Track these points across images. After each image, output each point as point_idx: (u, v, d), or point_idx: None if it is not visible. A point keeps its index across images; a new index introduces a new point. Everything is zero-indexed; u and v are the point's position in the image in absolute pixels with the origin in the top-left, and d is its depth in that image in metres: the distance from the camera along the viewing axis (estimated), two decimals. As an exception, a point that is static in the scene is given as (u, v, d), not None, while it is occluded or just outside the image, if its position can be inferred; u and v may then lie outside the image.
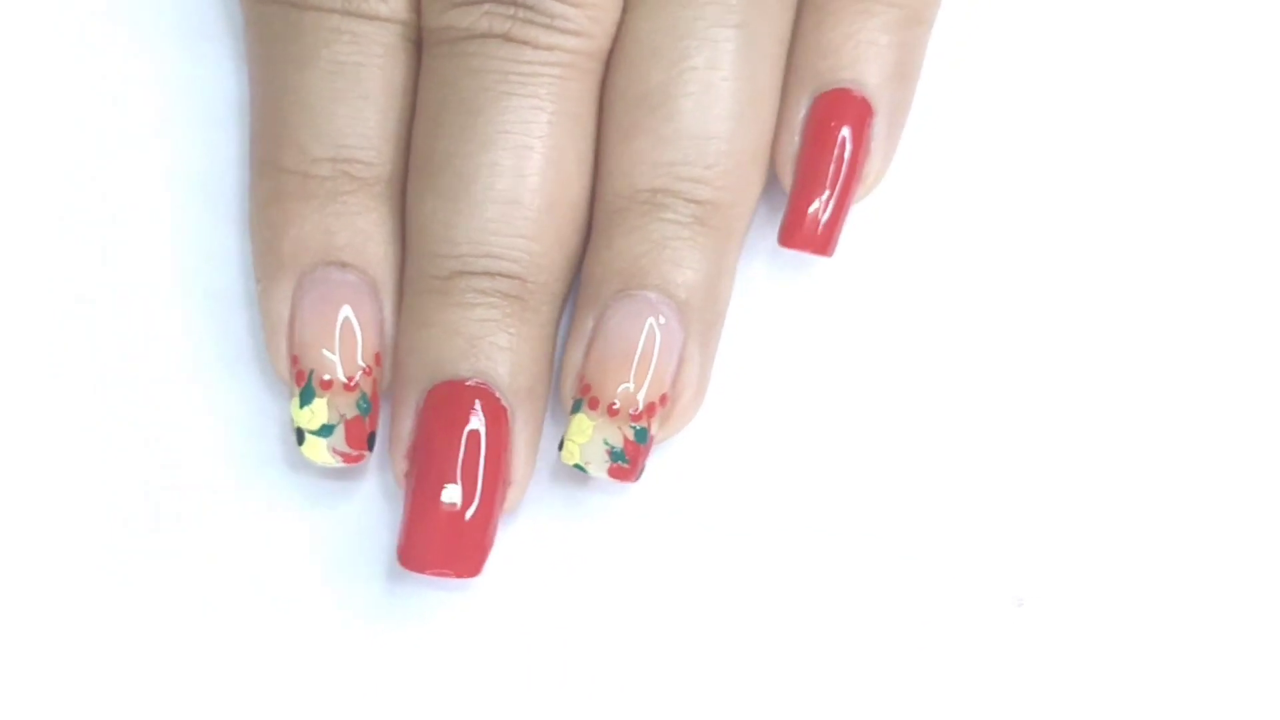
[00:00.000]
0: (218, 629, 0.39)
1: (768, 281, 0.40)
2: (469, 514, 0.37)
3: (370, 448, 0.38)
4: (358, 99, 0.38)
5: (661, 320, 0.37)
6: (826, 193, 0.38)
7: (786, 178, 0.39)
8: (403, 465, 0.38)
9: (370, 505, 0.39)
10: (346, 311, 0.38)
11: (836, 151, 0.38)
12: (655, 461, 0.39)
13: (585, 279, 0.38)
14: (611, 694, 0.39)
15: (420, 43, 0.38)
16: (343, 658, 0.39)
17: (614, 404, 0.37)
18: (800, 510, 0.39)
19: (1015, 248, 0.40)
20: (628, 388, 0.37)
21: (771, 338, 0.40)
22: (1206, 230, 0.41)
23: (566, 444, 0.38)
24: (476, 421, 0.37)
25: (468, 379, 0.37)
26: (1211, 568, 0.39)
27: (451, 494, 0.37)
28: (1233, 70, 0.41)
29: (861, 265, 0.40)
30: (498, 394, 0.37)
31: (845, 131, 0.38)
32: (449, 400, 0.37)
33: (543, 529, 0.39)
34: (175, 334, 0.40)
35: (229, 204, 0.40)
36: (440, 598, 0.39)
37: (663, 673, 0.39)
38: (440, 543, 0.37)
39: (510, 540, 0.39)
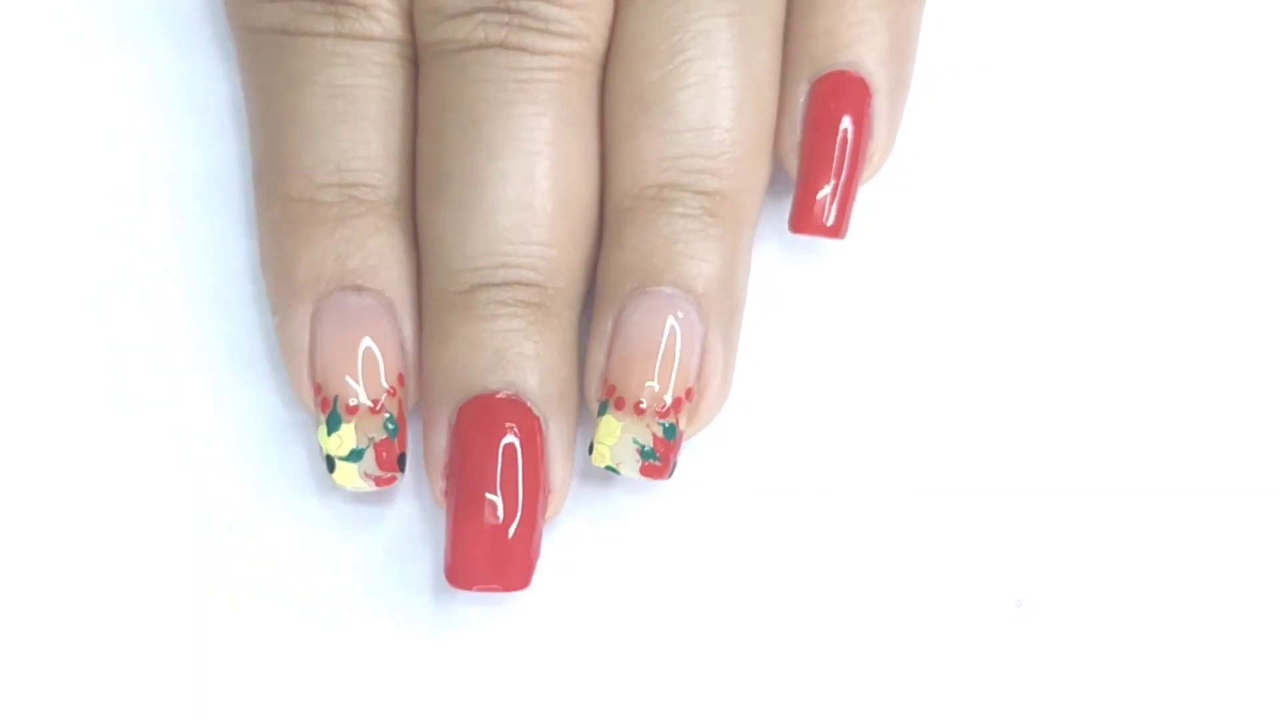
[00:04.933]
0: (248, 651, 0.38)
1: (775, 275, 0.40)
2: (513, 527, 0.37)
3: (401, 469, 0.38)
4: (358, 120, 0.38)
5: (681, 314, 0.37)
6: (833, 177, 0.38)
7: (792, 165, 0.39)
8: (441, 484, 0.37)
9: (399, 520, 0.39)
10: (365, 334, 0.37)
11: (839, 135, 0.38)
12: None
13: (601, 280, 0.38)
14: (629, 697, 0.39)
15: (416, 60, 0.38)
16: (383, 677, 0.39)
17: (640, 402, 0.37)
18: (800, 510, 0.39)
19: (1017, 249, 0.41)
20: (652, 385, 0.37)
21: (766, 339, 0.40)
22: (1219, 233, 0.41)
23: (596, 447, 0.37)
24: (511, 434, 0.37)
25: (498, 391, 0.37)
26: (1210, 568, 0.39)
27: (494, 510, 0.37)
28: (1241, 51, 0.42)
29: (858, 272, 0.40)
30: (529, 404, 0.37)
31: (846, 113, 0.38)
32: (482, 415, 0.37)
33: (576, 535, 0.39)
34: (177, 338, 0.40)
35: (231, 207, 0.40)
36: (480, 612, 0.39)
37: (664, 671, 0.39)
38: (487, 558, 0.37)
39: (548, 551, 0.38)
